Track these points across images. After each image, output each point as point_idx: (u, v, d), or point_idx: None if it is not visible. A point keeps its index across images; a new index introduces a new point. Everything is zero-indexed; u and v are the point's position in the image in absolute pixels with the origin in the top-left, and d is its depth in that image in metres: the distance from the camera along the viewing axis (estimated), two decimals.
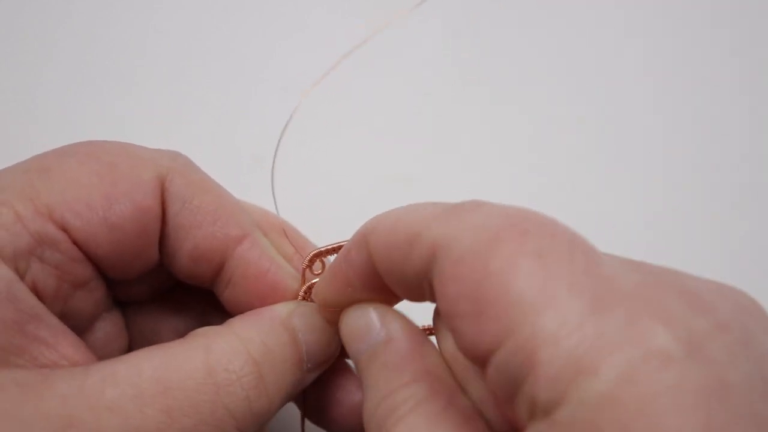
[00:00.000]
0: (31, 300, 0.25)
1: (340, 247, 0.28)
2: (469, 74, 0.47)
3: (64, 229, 0.26)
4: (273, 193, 0.31)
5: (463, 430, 0.22)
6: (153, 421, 0.22)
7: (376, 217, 0.25)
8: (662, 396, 0.16)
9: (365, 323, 0.25)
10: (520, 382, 0.18)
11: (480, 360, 0.19)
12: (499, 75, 0.46)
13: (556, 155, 0.45)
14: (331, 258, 0.29)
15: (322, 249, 0.29)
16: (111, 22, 0.47)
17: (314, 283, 0.28)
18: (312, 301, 0.28)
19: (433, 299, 0.23)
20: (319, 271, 0.29)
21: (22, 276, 0.26)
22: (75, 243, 0.27)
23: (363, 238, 0.25)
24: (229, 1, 0.48)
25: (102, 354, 0.28)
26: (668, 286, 0.19)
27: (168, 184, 0.28)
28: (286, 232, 0.31)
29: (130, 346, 0.31)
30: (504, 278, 0.19)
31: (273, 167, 0.30)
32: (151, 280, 0.31)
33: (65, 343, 0.25)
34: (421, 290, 0.23)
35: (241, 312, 0.28)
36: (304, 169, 0.44)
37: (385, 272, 0.24)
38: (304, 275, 0.29)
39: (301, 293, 0.28)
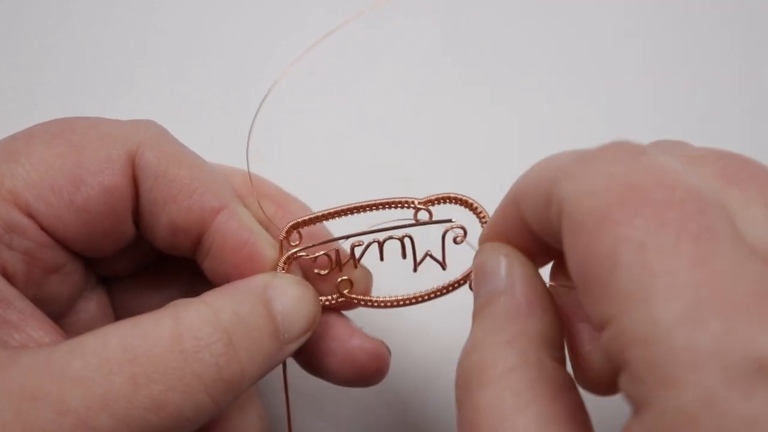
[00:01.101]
0: (0, 284, 0.25)
1: (316, 218, 0.28)
2: (463, 67, 0.47)
3: (30, 215, 0.26)
4: (248, 167, 0.30)
5: (550, 405, 0.21)
6: (119, 389, 0.22)
7: (525, 173, 0.24)
8: (740, 428, 0.15)
9: (492, 267, 0.25)
10: (618, 370, 0.18)
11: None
12: (496, 69, 0.46)
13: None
14: (309, 229, 0.29)
15: (299, 220, 0.28)
16: (111, 22, 0.47)
17: (293, 254, 0.28)
18: (290, 271, 0.28)
19: None
20: (297, 243, 0.28)
21: None
22: (42, 228, 0.27)
23: (513, 195, 0.24)
24: (229, 1, 0.48)
25: None
26: None
27: (139, 159, 0.28)
28: (264, 191, 0.31)
29: None
30: (607, 263, 0.18)
31: (247, 148, 0.30)
32: (133, 255, 0.31)
33: (35, 326, 0.25)
34: None
35: (222, 283, 0.28)
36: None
37: (536, 229, 0.23)
38: (281, 247, 0.28)
39: (281, 264, 0.28)
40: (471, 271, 0.28)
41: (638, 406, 0.17)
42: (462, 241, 0.28)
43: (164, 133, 0.29)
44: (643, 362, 0.17)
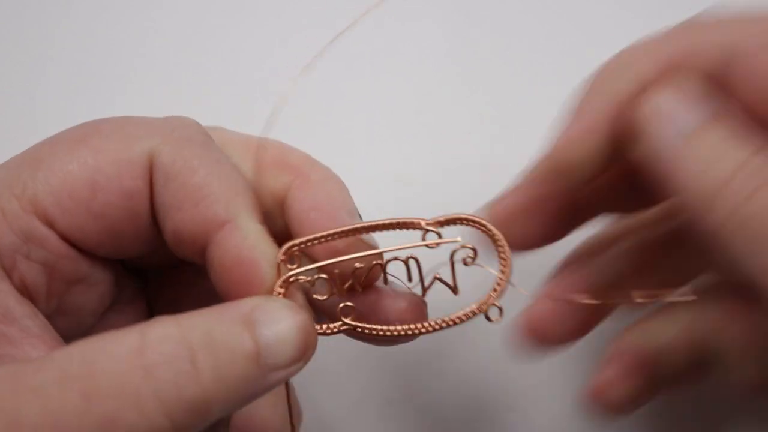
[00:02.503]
0: (9, 299, 0.25)
1: (316, 239, 0.26)
2: (466, 68, 0.46)
3: (50, 224, 0.26)
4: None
5: None
6: (72, 404, 0.21)
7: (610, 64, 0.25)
8: None
9: (689, 97, 0.24)
10: None
11: None
12: (498, 71, 0.46)
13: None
14: (325, 246, 0.26)
15: (297, 241, 0.26)
16: (111, 22, 0.47)
17: (288, 277, 0.26)
18: (288, 295, 0.26)
19: None
20: (295, 265, 0.26)
21: (8, 274, 0.25)
22: (62, 237, 0.26)
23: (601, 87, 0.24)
24: (229, 1, 0.48)
25: None
26: None
27: (155, 159, 0.26)
28: (286, 161, 0.29)
29: None
30: None
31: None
32: (165, 252, 0.29)
33: (37, 344, 0.25)
34: None
35: (226, 301, 0.26)
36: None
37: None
38: (279, 269, 0.26)
39: (277, 287, 0.26)
40: (488, 300, 0.26)
41: None
42: (472, 263, 0.26)
43: (192, 133, 0.28)
44: None
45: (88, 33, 0.47)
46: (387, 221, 0.26)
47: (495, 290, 0.26)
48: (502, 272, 0.26)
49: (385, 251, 0.26)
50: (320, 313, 0.28)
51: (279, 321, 0.24)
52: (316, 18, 0.47)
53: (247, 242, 0.26)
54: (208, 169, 0.27)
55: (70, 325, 0.27)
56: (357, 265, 0.26)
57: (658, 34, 0.26)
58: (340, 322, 0.27)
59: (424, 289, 0.27)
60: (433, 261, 0.27)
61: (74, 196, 0.26)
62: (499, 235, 0.25)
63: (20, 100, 0.45)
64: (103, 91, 0.46)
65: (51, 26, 0.47)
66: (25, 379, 0.21)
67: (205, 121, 0.45)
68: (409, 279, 0.27)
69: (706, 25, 0.24)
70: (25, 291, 0.26)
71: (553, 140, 0.27)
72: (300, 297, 0.27)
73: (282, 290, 0.26)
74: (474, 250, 0.26)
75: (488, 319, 0.26)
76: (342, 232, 0.26)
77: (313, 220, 0.28)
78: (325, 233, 0.26)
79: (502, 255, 0.26)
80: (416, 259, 0.26)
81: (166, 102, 0.45)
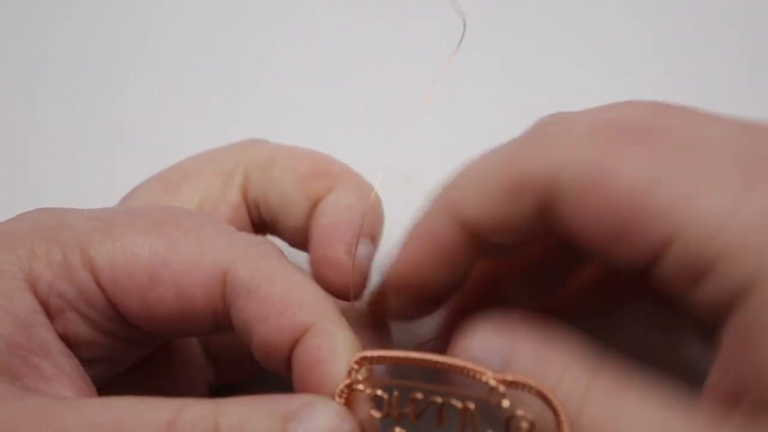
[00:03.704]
0: (47, 335, 0.25)
1: (389, 358, 0.25)
2: (465, 63, 0.46)
3: (101, 288, 0.26)
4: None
5: None
6: None
7: (454, 181, 0.24)
8: None
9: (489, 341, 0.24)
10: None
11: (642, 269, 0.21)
12: (499, 66, 0.46)
13: None
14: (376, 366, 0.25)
15: (369, 355, 0.25)
16: (111, 22, 0.47)
17: (350, 384, 0.25)
18: (351, 404, 0.25)
19: (551, 244, 0.23)
20: (364, 377, 0.25)
21: (52, 317, 0.26)
22: (111, 303, 0.26)
23: (446, 204, 0.23)
24: (229, 1, 0.48)
25: None
26: None
27: (231, 275, 0.26)
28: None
29: None
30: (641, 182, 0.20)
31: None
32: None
33: (69, 385, 0.25)
34: (534, 236, 0.23)
35: None
36: None
37: (491, 230, 0.23)
38: (348, 376, 0.25)
39: (338, 392, 0.25)
40: None
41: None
42: None
43: (268, 249, 0.28)
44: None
45: (88, 33, 0.47)
46: (457, 363, 0.24)
47: None
48: None
49: (449, 393, 0.25)
50: None
51: (319, 423, 0.24)
52: (316, 18, 0.47)
53: (328, 345, 0.25)
54: (286, 278, 0.26)
55: (101, 373, 0.27)
56: (418, 395, 0.25)
57: (497, 153, 0.25)
58: None
59: None
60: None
61: (133, 280, 0.26)
62: (562, 411, 0.23)
63: (20, 100, 0.45)
64: (103, 91, 0.46)
65: (51, 26, 0.47)
66: (53, 419, 0.22)
67: (205, 121, 0.45)
68: (441, 424, 0.25)
69: (539, 146, 0.24)
70: (65, 340, 0.26)
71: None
72: (364, 410, 0.26)
73: (345, 395, 0.25)
74: (533, 423, 0.23)
75: None
76: (417, 359, 0.25)
77: (323, 226, 0.29)
78: (400, 354, 0.25)
79: None
80: (472, 412, 0.24)
81: (166, 102, 0.45)
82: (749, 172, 0.20)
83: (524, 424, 0.23)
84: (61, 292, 0.26)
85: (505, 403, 0.23)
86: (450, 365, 0.24)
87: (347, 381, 0.25)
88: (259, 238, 0.29)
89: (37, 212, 0.27)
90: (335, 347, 0.25)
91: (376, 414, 0.26)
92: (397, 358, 0.25)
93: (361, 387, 0.25)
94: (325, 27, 0.47)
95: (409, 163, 0.44)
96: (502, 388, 0.23)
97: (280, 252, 0.28)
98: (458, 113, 0.46)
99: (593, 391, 0.22)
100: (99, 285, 0.26)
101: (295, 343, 0.26)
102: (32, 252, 0.26)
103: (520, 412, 0.23)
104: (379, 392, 0.25)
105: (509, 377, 0.23)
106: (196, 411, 0.23)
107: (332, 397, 0.25)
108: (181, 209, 0.29)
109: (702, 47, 0.47)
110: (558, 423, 0.22)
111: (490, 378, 0.23)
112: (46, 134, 0.45)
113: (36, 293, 0.25)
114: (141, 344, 0.29)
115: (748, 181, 0.20)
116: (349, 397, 0.25)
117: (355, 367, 0.25)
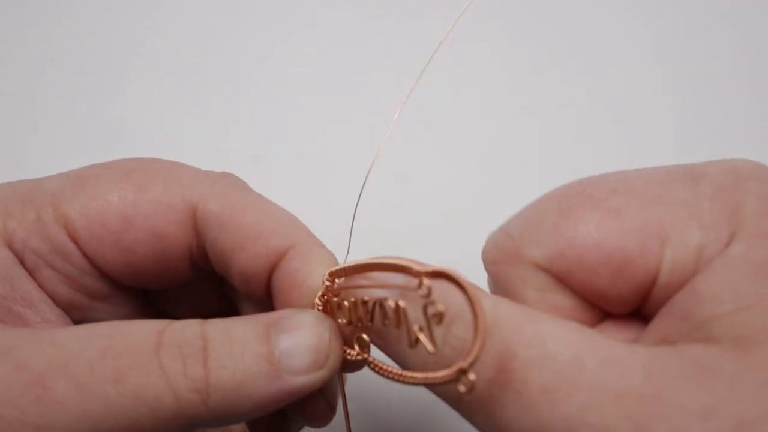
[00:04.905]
0: (29, 285, 0.26)
1: (354, 267, 0.26)
2: (462, 62, 0.46)
3: (76, 242, 0.26)
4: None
5: None
6: (86, 356, 0.22)
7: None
8: None
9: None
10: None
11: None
12: (496, 67, 0.46)
13: (559, 154, 0.45)
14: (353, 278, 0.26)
15: (338, 267, 0.26)
16: (111, 22, 0.47)
17: (323, 294, 0.26)
18: (326, 312, 0.26)
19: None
20: (338, 287, 0.26)
21: (30, 273, 0.26)
22: (86, 256, 0.27)
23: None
24: (229, 1, 0.48)
25: None
26: None
27: (201, 210, 0.27)
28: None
29: None
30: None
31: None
32: (192, 291, 0.31)
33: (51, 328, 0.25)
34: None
35: None
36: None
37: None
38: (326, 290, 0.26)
39: (316, 301, 0.26)
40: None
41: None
42: (439, 324, 0.24)
43: (235, 183, 0.28)
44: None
45: (88, 33, 0.47)
46: (397, 263, 0.25)
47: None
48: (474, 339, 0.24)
49: (379, 287, 0.26)
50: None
51: (299, 327, 0.25)
52: (316, 18, 0.47)
53: (306, 264, 0.26)
54: (258, 208, 0.27)
55: None
56: (365, 298, 0.26)
57: (499, 236, 0.26)
58: (357, 352, 0.27)
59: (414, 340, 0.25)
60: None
61: (106, 226, 0.26)
62: (477, 305, 0.23)
63: (20, 100, 0.46)
64: (103, 91, 0.46)
65: (51, 26, 0.47)
66: (45, 334, 0.23)
67: (205, 121, 0.45)
68: (397, 324, 0.26)
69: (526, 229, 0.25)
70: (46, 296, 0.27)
71: None
72: (337, 317, 0.27)
73: (319, 305, 0.26)
74: (441, 314, 0.24)
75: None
76: (371, 265, 0.26)
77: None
78: (360, 263, 0.26)
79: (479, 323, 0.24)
80: (405, 309, 0.25)
81: (166, 102, 0.45)
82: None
83: (433, 309, 0.24)
84: (35, 248, 0.26)
85: (424, 288, 0.24)
86: (392, 265, 0.25)
87: (320, 292, 0.26)
88: (225, 173, 0.29)
89: (17, 181, 0.28)
90: (311, 268, 0.26)
91: (343, 320, 0.27)
92: (358, 266, 0.26)
93: (335, 299, 0.26)
94: (325, 27, 0.47)
95: (404, 162, 0.44)
96: (426, 281, 0.24)
97: (244, 183, 0.29)
98: (458, 113, 0.46)
99: (504, 302, 0.23)
100: (73, 239, 0.26)
101: (272, 268, 0.27)
102: (7, 212, 0.26)
103: (432, 299, 0.24)
104: (346, 303, 0.26)
105: (432, 268, 0.24)
106: (184, 322, 0.24)
107: (311, 308, 0.26)
108: (149, 158, 0.29)
109: (702, 47, 0.47)
110: (474, 314, 0.23)
111: (419, 268, 0.25)
112: (46, 134, 0.45)
113: (12, 250, 0.26)
114: (120, 304, 0.29)
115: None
116: (324, 308, 0.26)
117: (328, 279, 0.26)
